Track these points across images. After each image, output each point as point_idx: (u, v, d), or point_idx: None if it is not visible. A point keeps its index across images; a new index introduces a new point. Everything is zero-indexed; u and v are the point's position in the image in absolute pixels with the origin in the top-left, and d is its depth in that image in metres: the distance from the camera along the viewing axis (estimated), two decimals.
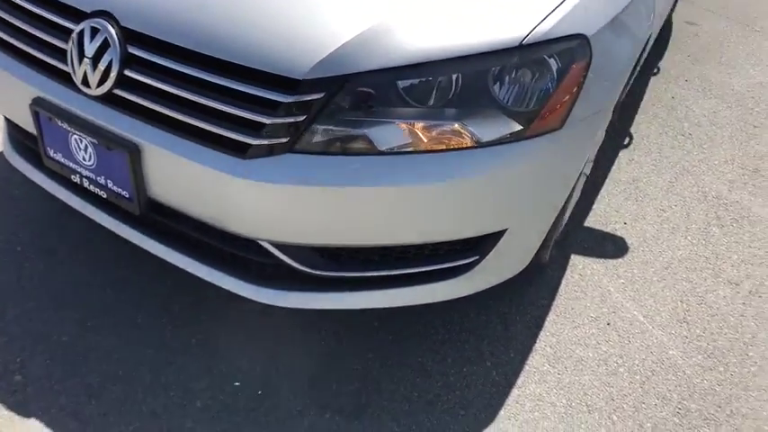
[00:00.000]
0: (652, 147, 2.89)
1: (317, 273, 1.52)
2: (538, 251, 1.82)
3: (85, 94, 1.47)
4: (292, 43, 1.31)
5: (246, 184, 1.35)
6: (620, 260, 2.23)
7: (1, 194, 2.15)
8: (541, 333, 1.93)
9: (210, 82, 1.34)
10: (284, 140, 1.34)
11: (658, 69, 3.58)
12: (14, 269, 1.92)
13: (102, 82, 1.43)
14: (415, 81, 1.36)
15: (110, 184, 1.53)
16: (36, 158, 1.74)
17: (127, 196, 1.52)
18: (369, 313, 1.91)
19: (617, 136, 2.91)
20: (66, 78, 1.49)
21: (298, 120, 1.32)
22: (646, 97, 3.29)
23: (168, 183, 1.46)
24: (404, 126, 1.38)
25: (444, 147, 1.40)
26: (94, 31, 1.41)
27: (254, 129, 1.34)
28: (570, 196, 1.76)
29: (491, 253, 1.58)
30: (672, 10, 3.97)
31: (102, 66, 1.42)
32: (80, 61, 1.43)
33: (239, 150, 1.35)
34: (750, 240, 2.40)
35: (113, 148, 1.44)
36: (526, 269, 1.91)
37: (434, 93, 1.38)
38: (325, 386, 1.72)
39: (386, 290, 1.59)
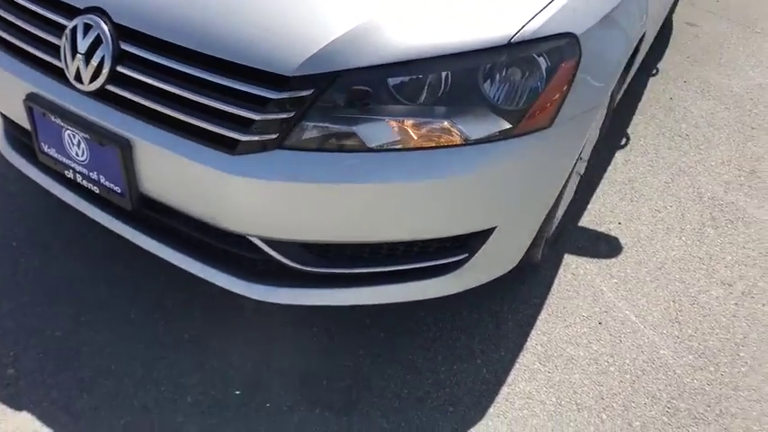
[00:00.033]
0: (649, 147, 2.89)
1: (307, 269, 1.53)
2: (529, 250, 1.83)
3: (78, 90, 1.48)
4: (282, 40, 1.32)
5: (236, 179, 1.36)
6: (613, 260, 2.23)
7: None
8: (533, 332, 1.93)
9: (201, 78, 1.35)
10: (273, 137, 1.35)
11: (657, 70, 3.59)
12: (9, 264, 1.93)
13: (94, 78, 1.44)
14: (405, 78, 1.37)
15: (102, 180, 1.54)
16: (31, 154, 1.75)
17: (119, 192, 1.53)
18: (361, 310, 1.91)
19: (614, 136, 2.91)
20: (59, 74, 1.51)
21: (286, 116, 1.33)
22: (644, 98, 3.29)
23: (159, 178, 1.47)
24: (393, 123, 1.39)
25: (433, 144, 1.41)
26: (87, 28, 1.43)
27: (244, 125, 1.35)
28: (561, 195, 1.77)
29: (480, 251, 1.59)
30: (672, 11, 3.98)
31: (94, 62, 1.43)
32: (73, 57, 1.45)
33: (229, 146, 1.36)
34: (744, 241, 2.41)
35: (105, 143, 1.45)
36: (519, 268, 1.92)
37: (424, 90, 1.39)
38: (315, 382, 1.72)
39: (376, 286, 1.59)
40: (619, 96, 2.46)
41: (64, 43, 1.45)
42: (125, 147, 1.44)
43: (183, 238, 1.59)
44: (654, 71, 3.57)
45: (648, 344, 1.95)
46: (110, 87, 1.44)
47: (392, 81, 1.37)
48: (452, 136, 1.41)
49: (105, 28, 1.41)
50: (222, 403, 1.65)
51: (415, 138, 1.40)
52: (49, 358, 1.71)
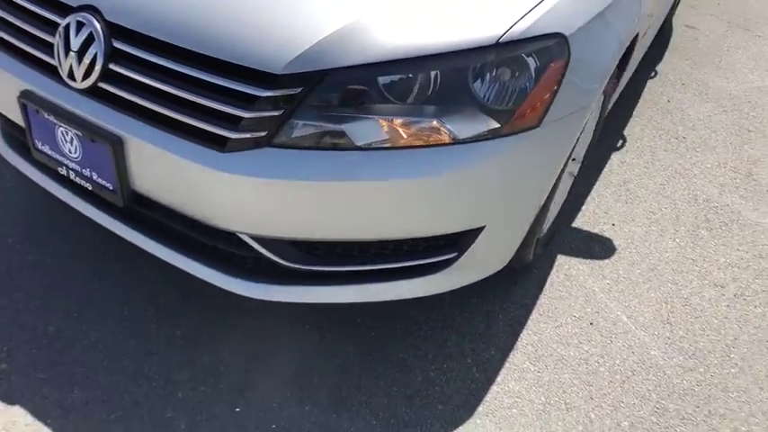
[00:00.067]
0: (645, 149, 2.90)
1: (296, 266, 1.54)
2: (521, 250, 1.83)
3: (71, 88, 1.49)
4: (270, 39, 1.33)
5: (225, 177, 1.37)
6: (606, 261, 2.24)
7: None
8: (524, 331, 1.94)
9: (191, 76, 1.37)
10: (262, 134, 1.36)
11: (656, 73, 3.59)
12: (4, 260, 1.95)
13: (87, 75, 1.46)
14: (393, 78, 1.38)
15: (95, 176, 1.56)
16: (25, 151, 1.77)
17: (111, 188, 1.54)
18: (352, 309, 1.93)
19: (610, 138, 2.92)
20: (53, 72, 1.52)
21: (275, 114, 1.35)
22: (641, 100, 3.30)
23: (150, 175, 1.48)
24: (382, 122, 1.40)
25: (422, 143, 1.42)
26: (80, 26, 1.44)
27: (233, 122, 1.36)
28: (552, 196, 1.77)
29: (469, 250, 1.60)
30: (672, 13, 3.99)
31: (86, 59, 1.44)
32: (66, 55, 1.46)
33: (218, 144, 1.38)
34: (738, 244, 2.41)
35: (97, 140, 1.47)
36: (511, 268, 1.93)
37: (413, 90, 1.40)
38: (305, 379, 1.74)
39: (366, 284, 1.61)
40: (615, 98, 2.47)
41: (57, 41, 1.47)
42: (117, 144, 1.45)
43: (174, 235, 1.60)
44: (652, 73, 3.57)
45: (639, 345, 1.96)
46: (102, 85, 1.46)
47: (381, 80, 1.38)
48: (441, 135, 1.42)
49: (97, 26, 1.43)
50: (212, 399, 1.66)
51: (404, 137, 1.41)
52: (42, 353, 1.72)
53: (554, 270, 2.16)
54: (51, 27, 1.51)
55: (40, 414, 1.59)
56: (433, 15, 1.42)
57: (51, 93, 1.52)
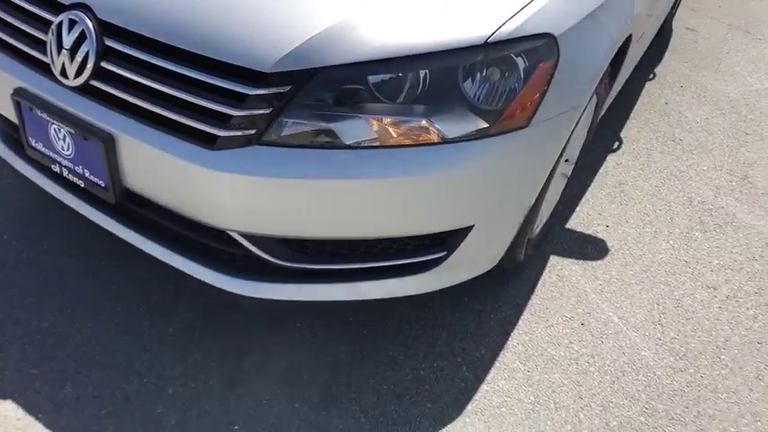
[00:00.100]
0: (641, 151, 2.90)
1: (286, 264, 1.55)
2: (511, 250, 1.84)
3: (64, 85, 1.51)
4: (260, 37, 1.34)
5: (214, 174, 1.38)
6: (599, 262, 2.25)
7: None
8: (514, 331, 1.95)
9: (181, 74, 1.38)
10: (251, 132, 1.37)
11: (654, 75, 3.59)
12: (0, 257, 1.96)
13: (79, 73, 1.47)
14: (382, 77, 1.39)
15: (87, 174, 1.57)
16: (20, 148, 1.79)
17: (103, 185, 1.56)
18: (344, 307, 1.94)
19: (606, 140, 2.92)
20: (45, 69, 1.54)
21: (264, 112, 1.36)
22: (639, 102, 3.30)
23: (141, 173, 1.50)
24: (371, 121, 1.41)
25: (411, 142, 1.43)
26: (72, 24, 1.46)
27: (222, 120, 1.37)
28: (542, 196, 1.78)
29: (458, 249, 1.60)
30: (671, 14, 3.99)
31: (79, 57, 1.46)
32: (59, 53, 1.48)
33: (208, 141, 1.39)
34: (732, 246, 2.41)
35: (89, 137, 1.48)
36: (502, 268, 1.94)
37: (402, 89, 1.41)
38: (296, 377, 1.75)
39: (356, 283, 1.61)
40: (610, 100, 2.48)
41: (50, 39, 1.48)
42: (108, 141, 1.46)
43: (165, 232, 1.62)
44: (651, 75, 3.58)
45: (630, 345, 1.96)
46: (94, 83, 1.47)
47: (371, 79, 1.39)
48: (430, 135, 1.43)
49: (89, 24, 1.44)
50: (202, 395, 1.68)
51: (393, 136, 1.42)
52: (35, 349, 1.73)
53: (546, 270, 2.17)
54: (44, 25, 1.52)
55: (31, 409, 1.60)
56: (423, 15, 1.43)
57: (44, 90, 1.53)
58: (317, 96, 1.38)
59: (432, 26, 1.41)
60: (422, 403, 1.72)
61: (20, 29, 1.58)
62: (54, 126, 1.54)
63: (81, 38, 1.45)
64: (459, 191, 1.49)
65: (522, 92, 1.48)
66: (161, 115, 1.42)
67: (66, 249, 2.01)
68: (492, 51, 1.43)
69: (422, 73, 1.41)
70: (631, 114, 3.18)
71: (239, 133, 1.37)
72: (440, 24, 1.42)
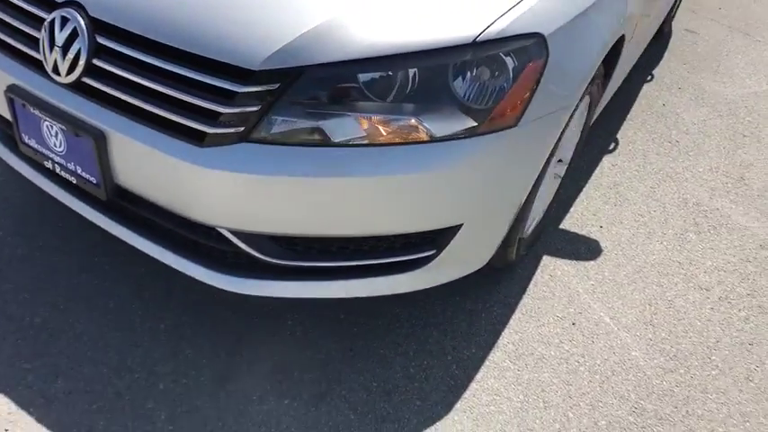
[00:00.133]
0: (637, 152, 2.90)
1: (275, 261, 1.56)
2: (502, 249, 1.85)
3: (56, 82, 1.52)
4: (248, 34, 1.35)
5: (203, 171, 1.39)
6: (592, 263, 2.25)
7: None
8: (505, 330, 1.95)
9: (171, 71, 1.39)
10: (240, 130, 1.38)
11: (652, 76, 3.60)
12: None
13: (71, 70, 1.48)
14: (371, 75, 1.40)
15: (79, 170, 1.58)
16: (14, 144, 1.80)
17: (94, 182, 1.57)
18: (336, 306, 1.94)
19: (602, 141, 2.93)
20: (38, 66, 1.55)
21: (253, 110, 1.37)
22: (636, 104, 3.30)
23: (132, 169, 1.51)
24: (360, 119, 1.41)
25: (399, 141, 1.43)
26: (64, 21, 1.47)
27: (211, 118, 1.38)
28: (533, 195, 1.78)
29: (448, 247, 1.61)
30: (671, 16, 3.99)
31: (71, 54, 1.47)
32: (51, 50, 1.49)
33: (197, 138, 1.40)
34: (726, 248, 2.42)
35: (80, 134, 1.49)
36: (495, 268, 1.94)
37: (391, 87, 1.42)
38: (286, 374, 1.75)
39: (345, 280, 1.62)
40: (605, 101, 2.48)
41: (43, 36, 1.49)
42: (99, 138, 1.47)
43: (156, 229, 1.63)
44: (649, 77, 3.58)
45: (621, 345, 1.97)
46: (86, 80, 1.48)
47: (360, 77, 1.40)
48: (419, 133, 1.44)
49: (81, 21, 1.45)
50: (193, 391, 1.69)
51: (382, 134, 1.43)
52: (27, 344, 1.75)
53: (539, 270, 2.17)
54: (37, 22, 1.53)
55: (23, 403, 1.62)
56: (412, 14, 1.44)
57: (37, 87, 1.54)
58: (306, 94, 1.39)
59: (420, 25, 1.42)
60: (411, 401, 1.73)
61: (13, 26, 1.59)
62: (46, 123, 1.55)
63: (73, 35, 1.46)
64: (447, 189, 1.49)
65: (511, 91, 1.48)
66: (151, 112, 1.43)
67: (61, 246, 2.02)
68: (480, 50, 1.44)
69: (411, 72, 1.42)
70: (628, 116, 3.18)
71: (228, 130, 1.38)
72: (428, 23, 1.42)
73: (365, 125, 1.42)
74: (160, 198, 1.52)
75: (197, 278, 1.60)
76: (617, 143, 2.94)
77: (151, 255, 1.64)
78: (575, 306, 2.07)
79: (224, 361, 1.77)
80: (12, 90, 1.58)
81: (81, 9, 1.47)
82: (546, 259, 2.22)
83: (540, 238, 2.28)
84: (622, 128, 3.07)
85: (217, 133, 1.38)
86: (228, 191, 1.42)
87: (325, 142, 1.41)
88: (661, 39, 4.00)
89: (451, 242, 1.60)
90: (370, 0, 1.43)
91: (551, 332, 1.97)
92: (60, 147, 1.57)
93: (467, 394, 1.76)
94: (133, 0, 1.43)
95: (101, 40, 1.46)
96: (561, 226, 2.39)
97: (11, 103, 1.60)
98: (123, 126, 1.45)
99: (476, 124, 1.46)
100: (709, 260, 2.34)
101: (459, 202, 1.53)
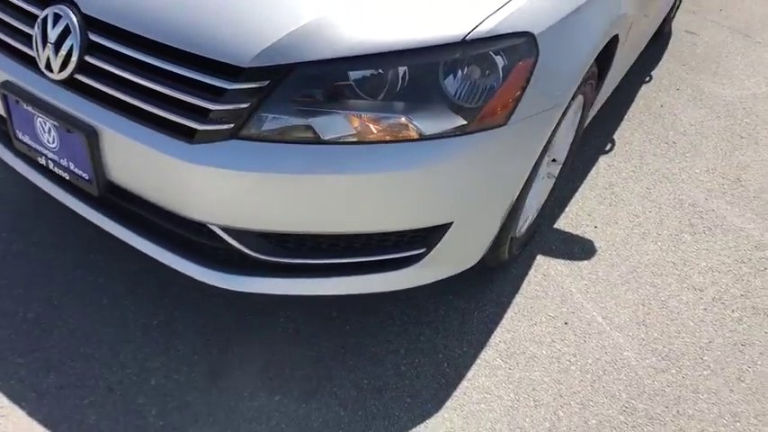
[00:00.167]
0: (633, 153, 2.90)
1: (266, 258, 1.57)
2: (494, 248, 1.85)
3: (49, 79, 1.53)
4: (238, 32, 1.36)
5: (194, 168, 1.40)
6: (585, 262, 2.25)
7: None
8: (497, 329, 1.96)
9: (161, 68, 1.40)
10: (230, 127, 1.39)
11: (651, 77, 3.59)
12: None
13: (63, 67, 1.49)
14: (361, 73, 1.41)
15: (71, 166, 1.59)
16: (8, 141, 1.81)
17: (86, 178, 1.58)
18: (328, 303, 1.95)
19: (599, 141, 2.93)
20: (31, 63, 1.56)
21: (242, 107, 1.38)
22: (634, 104, 3.30)
23: (124, 166, 1.52)
24: (349, 117, 1.42)
25: (389, 139, 1.44)
26: (57, 18, 1.48)
27: (201, 114, 1.39)
28: (524, 195, 1.79)
29: (438, 246, 1.61)
30: (670, 17, 3.99)
31: (63, 51, 1.48)
32: (44, 46, 1.50)
33: (187, 135, 1.41)
34: (720, 249, 2.41)
35: (73, 130, 1.50)
36: (488, 266, 1.95)
37: (381, 85, 1.42)
38: (278, 371, 1.76)
39: (336, 277, 1.63)
40: (601, 101, 2.48)
41: (35, 33, 1.50)
42: (91, 134, 1.48)
43: (148, 225, 1.63)
44: (647, 78, 3.58)
45: (613, 345, 1.97)
46: (78, 76, 1.49)
47: (350, 75, 1.41)
48: (409, 131, 1.45)
49: (74, 18, 1.46)
50: (184, 387, 1.69)
51: (372, 132, 1.43)
52: (20, 339, 1.76)
53: (532, 270, 2.18)
54: (31, 19, 1.54)
55: (15, 397, 1.63)
56: (401, 13, 1.44)
57: (30, 83, 1.55)
58: (296, 92, 1.39)
59: (410, 23, 1.42)
60: (402, 398, 1.73)
61: (6, 23, 1.60)
62: (40, 119, 1.56)
63: (65, 32, 1.47)
64: (437, 187, 1.50)
65: (501, 90, 1.49)
66: (142, 109, 1.44)
67: (56, 242, 2.03)
68: (470, 49, 1.44)
69: (401, 70, 1.42)
70: (626, 116, 3.18)
71: (218, 127, 1.39)
72: (418, 22, 1.43)
73: (355, 123, 1.42)
74: (152, 194, 1.53)
75: (188, 275, 1.61)
76: (613, 143, 2.94)
77: (143, 251, 1.65)
78: (568, 306, 2.07)
79: (216, 357, 1.77)
80: (5, 86, 1.59)
81: (73, 6, 1.48)
82: (540, 259, 2.22)
83: (534, 237, 2.29)
84: (619, 128, 3.07)
85: (207, 130, 1.39)
86: (219, 187, 1.43)
87: (316, 140, 1.41)
88: (660, 39, 4.00)
89: (442, 240, 1.61)
90: None
91: (543, 331, 1.97)
92: (53, 143, 1.58)
93: (457, 392, 1.77)
94: None
95: (93, 37, 1.47)
96: (556, 225, 2.39)
97: (5, 99, 1.61)
98: (115, 122, 1.46)
99: (465, 123, 1.47)
100: (704, 261, 2.34)
101: (449, 200, 1.54)
